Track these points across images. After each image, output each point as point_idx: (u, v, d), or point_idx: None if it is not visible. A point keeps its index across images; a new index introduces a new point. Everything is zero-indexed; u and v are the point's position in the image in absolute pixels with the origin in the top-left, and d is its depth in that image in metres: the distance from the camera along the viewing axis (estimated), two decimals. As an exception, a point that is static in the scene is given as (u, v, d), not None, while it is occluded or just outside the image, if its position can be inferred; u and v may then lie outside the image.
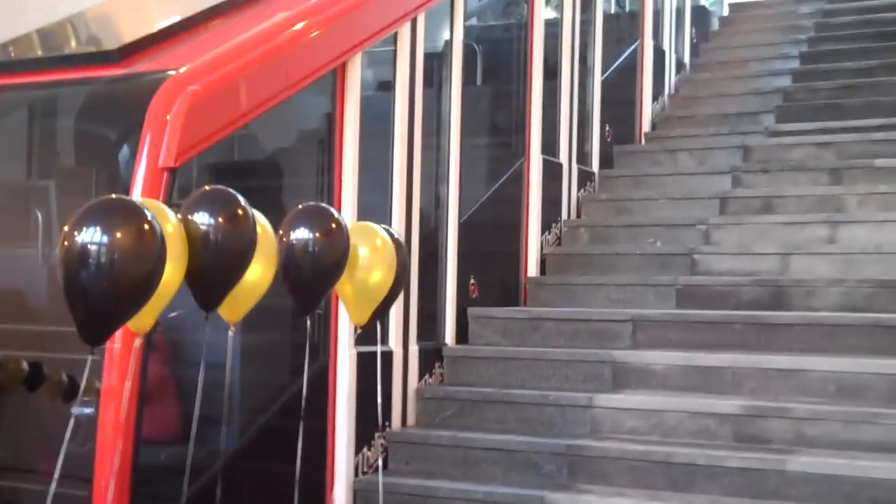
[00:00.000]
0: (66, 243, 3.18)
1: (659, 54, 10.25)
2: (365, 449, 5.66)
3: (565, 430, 5.77)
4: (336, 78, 5.48)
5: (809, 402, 5.49)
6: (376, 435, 5.75)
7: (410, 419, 6.08)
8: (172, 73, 4.49)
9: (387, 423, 5.85)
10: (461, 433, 5.86)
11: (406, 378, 6.06)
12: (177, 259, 3.51)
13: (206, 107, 4.40)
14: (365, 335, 4.88)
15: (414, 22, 6.10)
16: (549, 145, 7.77)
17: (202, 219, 3.62)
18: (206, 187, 3.80)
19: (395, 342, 5.93)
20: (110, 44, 5.19)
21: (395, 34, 5.97)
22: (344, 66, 5.50)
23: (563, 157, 8.03)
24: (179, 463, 4.01)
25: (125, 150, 4.54)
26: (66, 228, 3.19)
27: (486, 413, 6.00)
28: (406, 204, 5.99)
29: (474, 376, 6.32)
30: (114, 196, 3.40)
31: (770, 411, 5.43)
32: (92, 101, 4.96)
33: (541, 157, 7.58)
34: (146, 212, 3.30)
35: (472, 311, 6.72)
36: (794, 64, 10.65)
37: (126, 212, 3.27)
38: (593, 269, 7.43)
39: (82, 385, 3.45)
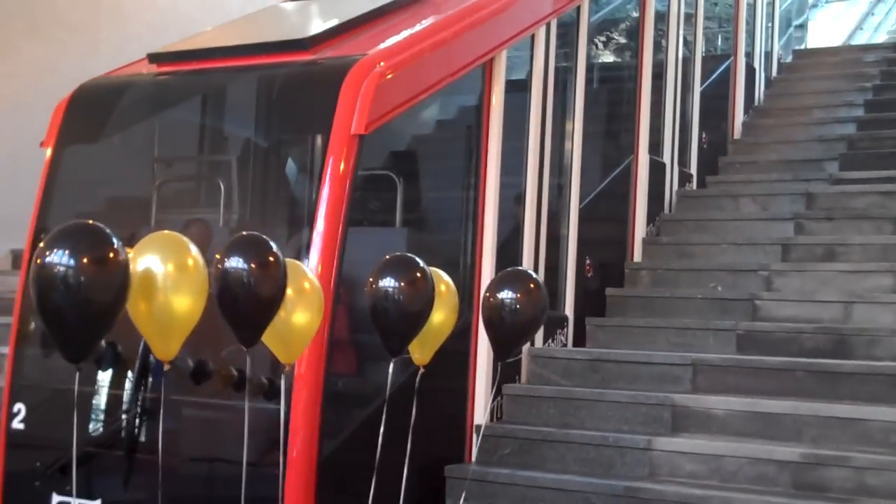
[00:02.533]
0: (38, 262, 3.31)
1: (750, 72, 11.19)
2: (498, 399, 6.42)
3: (624, 472, 5.78)
4: (485, 72, 6.21)
5: (871, 452, 5.45)
6: (504, 387, 6.46)
7: (524, 378, 6.76)
8: (358, 57, 5.31)
9: (517, 377, 6.66)
10: (519, 471, 5.88)
11: (532, 343, 6.69)
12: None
13: (388, 85, 5.25)
14: None
15: (548, 26, 6.81)
16: (655, 147, 8.63)
17: (386, 283, 4.34)
18: (391, 256, 4.51)
19: None
20: (299, 34, 5.90)
21: (532, 36, 6.68)
22: (492, 62, 6.21)
23: (666, 158, 8.88)
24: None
25: (321, 122, 5.24)
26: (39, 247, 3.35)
27: (544, 452, 6.03)
28: (537, 188, 6.72)
29: (534, 415, 6.35)
30: (84, 222, 3.51)
31: (830, 460, 5.40)
32: (289, 81, 5.71)
33: (648, 156, 8.42)
34: (114, 239, 3.39)
35: (533, 350, 6.76)
36: (859, 112, 10.63)
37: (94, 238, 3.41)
38: (654, 312, 7.45)
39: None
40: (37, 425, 5.41)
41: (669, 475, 5.70)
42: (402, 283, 4.41)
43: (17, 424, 5.44)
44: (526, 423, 6.31)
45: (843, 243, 7.71)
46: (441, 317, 4.73)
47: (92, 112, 6.16)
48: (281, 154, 6.07)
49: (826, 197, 8.65)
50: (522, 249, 6.64)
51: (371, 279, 4.44)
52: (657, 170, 8.69)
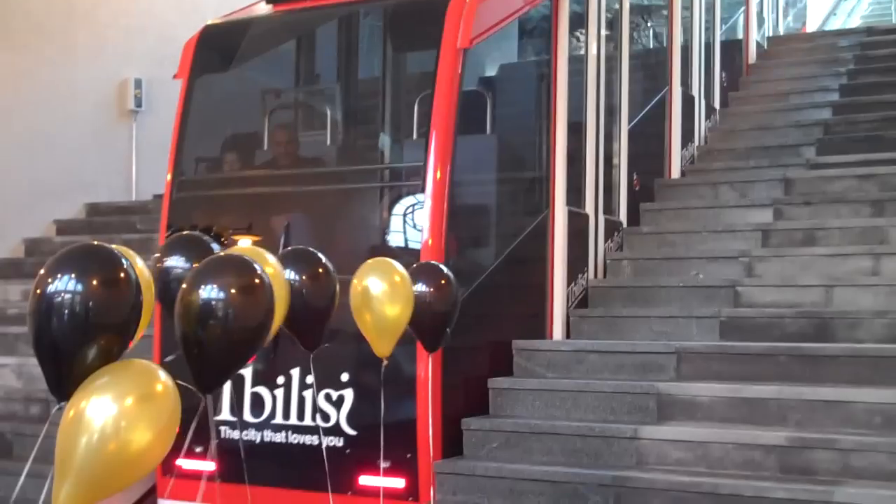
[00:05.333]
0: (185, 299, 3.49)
1: (760, 19, 12.99)
2: (572, 284, 7.36)
3: (611, 462, 5.82)
4: (552, 8, 7.20)
5: (855, 434, 5.50)
6: (579, 276, 7.50)
7: (600, 274, 7.90)
8: None
9: (585, 269, 7.65)
10: (508, 464, 5.91)
11: (597, 239, 7.86)
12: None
13: (484, 8, 6.29)
14: (572, 200, 7.30)
15: None
16: (686, 82, 9.91)
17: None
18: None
19: (590, 210, 7.69)
20: None
21: None
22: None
23: (695, 92, 10.15)
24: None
25: (430, 40, 6.21)
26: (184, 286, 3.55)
27: (531, 444, 6.05)
28: (595, 113, 7.72)
29: (520, 408, 6.38)
30: (228, 254, 3.87)
31: (816, 443, 5.45)
32: (398, 7, 6.79)
33: (680, 89, 9.66)
34: (255, 266, 3.60)
35: (517, 343, 6.79)
36: (835, 96, 10.68)
37: (237, 266, 3.64)
38: (637, 301, 7.49)
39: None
40: None
41: (657, 463, 5.74)
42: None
43: None
44: (513, 416, 6.35)
45: (822, 227, 7.76)
46: (397, 309, 4.94)
47: (218, 48, 7.13)
48: (392, 74, 7.01)
49: (804, 182, 8.70)
50: (585, 160, 7.61)
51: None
52: (687, 101, 9.90)
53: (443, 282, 5.27)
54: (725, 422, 5.86)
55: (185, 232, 5.32)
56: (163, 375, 2.99)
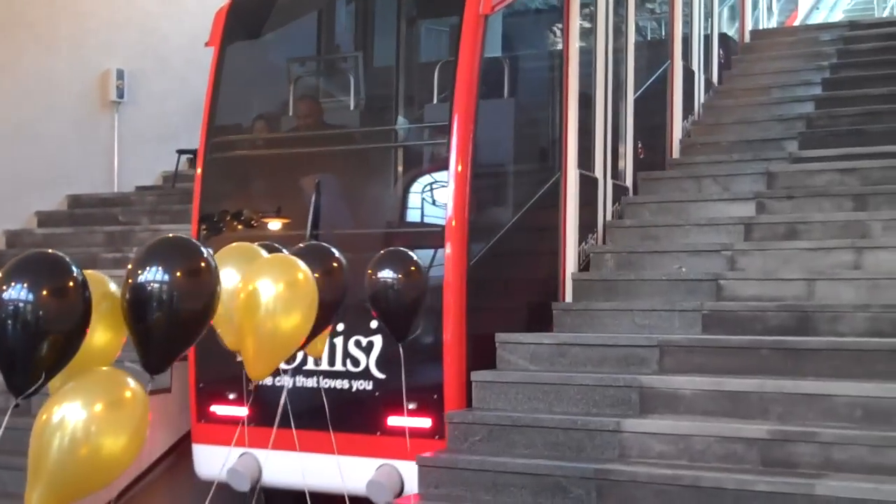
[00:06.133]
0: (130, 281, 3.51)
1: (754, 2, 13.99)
2: (583, 243, 7.82)
3: (594, 455, 5.82)
4: None
5: (837, 427, 5.51)
6: (589, 236, 7.96)
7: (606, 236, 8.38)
8: None
9: (594, 230, 8.13)
10: (490, 457, 5.91)
11: (605, 202, 8.33)
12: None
13: None
14: (583, 164, 7.77)
15: None
16: (686, 55, 10.55)
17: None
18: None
19: (599, 174, 8.13)
20: None
21: None
22: None
23: (695, 66, 10.77)
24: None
25: (454, 6, 6.61)
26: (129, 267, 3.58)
27: (514, 437, 6.05)
28: (604, 85, 8.20)
29: (503, 401, 6.38)
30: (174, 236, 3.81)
31: (797, 436, 5.46)
32: None
33: (681, 62, 10.25)
34: (203, 251, 3.64)
35: (500, 336, 6.79)
36: (817, 90, 10.71)
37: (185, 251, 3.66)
38: (619, 294, 7.49)
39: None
40: None
41: (639, 456, 5.75)
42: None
43: None
44: (496, 409, 6.34)
45: (805, 221, 7.78)
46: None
47: (247, 17, 7.54)
48: (411, 41, 7.49)
49: (786, 176, 8.72)
50: (595, 124, 8.05)
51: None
52: (688, 75, 10.48)
53: (412, 268, 5.32)
54: (707, 415, 5.87)
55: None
56: (132, 383, 3.14)
